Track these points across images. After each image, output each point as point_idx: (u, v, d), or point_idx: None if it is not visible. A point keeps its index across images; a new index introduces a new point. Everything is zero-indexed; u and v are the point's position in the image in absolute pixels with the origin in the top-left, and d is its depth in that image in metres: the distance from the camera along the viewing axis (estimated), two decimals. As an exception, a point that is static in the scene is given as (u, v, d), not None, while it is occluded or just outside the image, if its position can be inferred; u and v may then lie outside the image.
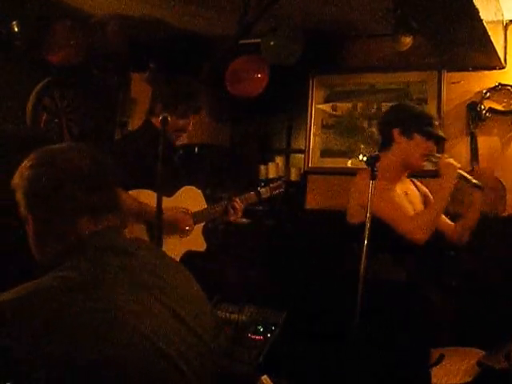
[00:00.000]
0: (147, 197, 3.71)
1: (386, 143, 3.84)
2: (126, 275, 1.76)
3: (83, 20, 5.48)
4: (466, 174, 3.71)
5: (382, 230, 3.50)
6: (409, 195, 3.85)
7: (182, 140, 4.46)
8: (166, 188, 3.90)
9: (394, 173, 3.78)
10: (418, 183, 4.08)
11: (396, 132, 3.76)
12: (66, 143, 1.99)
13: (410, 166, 3.80)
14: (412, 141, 3.73)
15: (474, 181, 3.71)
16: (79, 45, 5.44)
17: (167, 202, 3.88)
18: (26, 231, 1.93)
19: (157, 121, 3.95)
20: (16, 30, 5.11)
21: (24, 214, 1.89)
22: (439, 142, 3.90)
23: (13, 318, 1.56)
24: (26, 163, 1.89)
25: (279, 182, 4.67)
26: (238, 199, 4.22)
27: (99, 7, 5.37)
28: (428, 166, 3.96)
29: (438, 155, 3.79)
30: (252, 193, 4.42)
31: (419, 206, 3.89)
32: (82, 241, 1.81)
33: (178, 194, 4.04)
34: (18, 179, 1.89)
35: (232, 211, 4.17)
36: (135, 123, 6.46)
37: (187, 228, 4.01)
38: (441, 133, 3.83)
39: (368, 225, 3.23)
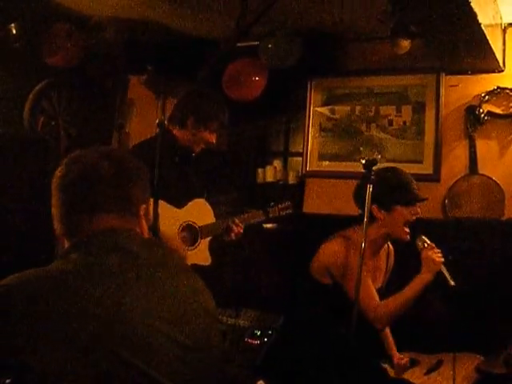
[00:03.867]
0: (160, 207, 3.67)
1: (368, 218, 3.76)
2: (120, 274, 1.77)
3: (81, 22, 5.48)
4: (446, 273, 3.53)
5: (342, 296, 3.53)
6: (376, 270, 3.84)
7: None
8: (178, 199, 3.89)
9: (380, 243, 3.79)
10: (391, 248, 4.05)
11: (375, 209, 3.65)
12: (94, 148, 2.03)
13: (395, 236, 3.75)
14: (393, 213, 3.67)
15: (452, 282, 3.51)
16: (77, 47, 5.45)
17: (176, 213, 3.87)
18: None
19: (180, 133, 3.98)
20: (14, 32, 5.12)
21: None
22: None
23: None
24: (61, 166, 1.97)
25: (288, 203, 4.62)
26: (237, 219, 4.18)
27: (97, 10, 5.37)
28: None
29: (424, 238, 3.64)
30: (260, 211, 4.38)
31: (380, 281, 3.89)
32: (91, 236, 1.86)
33: (187, 206, 4.02)
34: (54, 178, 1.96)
35: (229, 233, 4.14)
36: (132, 126, 6.46)
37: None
38: (420, 196, 3.74)
39: (365, 227, 3.24)
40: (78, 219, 1.90)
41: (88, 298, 1.65)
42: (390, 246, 4.03)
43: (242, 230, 4.16)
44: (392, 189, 3.67)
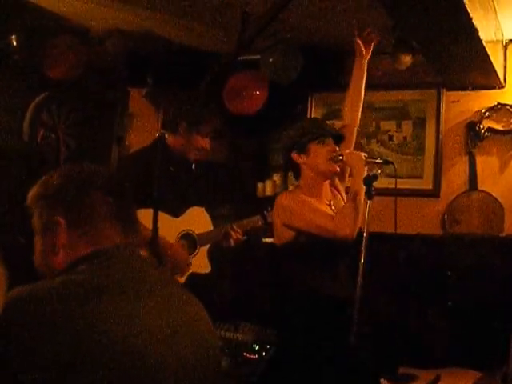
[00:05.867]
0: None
1: (295, 171, 3.77)
2: (128, 288, 1.75)
3: (82, 35, 5.48)
4: (372, 159, 3.58)
5: (312, 240, 3.53)
6: (334, 203, 3.80)
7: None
8: (174, 207, 3.88)
9: (317, 186, 3.72)
10: (340, 187, 3.98)
11: (295, 155, 3.68)
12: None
13: (324, 174, 3.69)
14: (310, 153, 3.65)
15: (380, 160, 3.60)
16: (78, 60, 5.44)
17: (174, 222, 3.86)
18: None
19: (173, 140, 3.96)
20: (15, 44, 5.12)
21: (48, 221, 1.87)
22: (339, 140, 3.80)
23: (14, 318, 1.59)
24: (48, 176, 1.90)
25: None
26: (236, 226, 4.16)
27: (98, 22, 5.38)
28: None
29: (340, 152, 3.63)
30: (257, 217, 4.36)
31: None
32: (99, 251, 1.83)
33: (185, 214, 4.00)
34: (40, 189, 1.89)
35: (228, 239, 4.12)
36: (132, 138, 6.46)
37: (187, 265, 3.96)
38: (333, 130, 3.76)
39: (364, 242, 3.23)
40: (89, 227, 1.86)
41: (96, 312, 1.62)
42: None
43: (241, 237, 4.15)
44: (303, 129, 3.69)
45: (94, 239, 1.84)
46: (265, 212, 4.39)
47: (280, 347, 3.71)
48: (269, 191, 6.00)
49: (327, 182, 3.76)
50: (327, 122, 4.21)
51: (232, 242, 4.10)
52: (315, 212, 3.55)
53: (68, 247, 1.85)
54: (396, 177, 3.56)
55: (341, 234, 3.42)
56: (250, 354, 3.76)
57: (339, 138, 3.71)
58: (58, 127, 5.93)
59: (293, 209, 3.57)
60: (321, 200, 3.69)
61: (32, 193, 1.91)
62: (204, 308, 1.99)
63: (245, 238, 4.27)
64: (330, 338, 3.43)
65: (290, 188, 3.93)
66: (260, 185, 6.07)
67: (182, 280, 3.84)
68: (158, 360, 1.68)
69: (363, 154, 3.56)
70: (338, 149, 3.65)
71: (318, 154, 3.62)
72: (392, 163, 3.65)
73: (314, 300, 3.55)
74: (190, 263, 3.95)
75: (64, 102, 6.00)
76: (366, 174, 3.42)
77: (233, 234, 4.09)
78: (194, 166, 4.14)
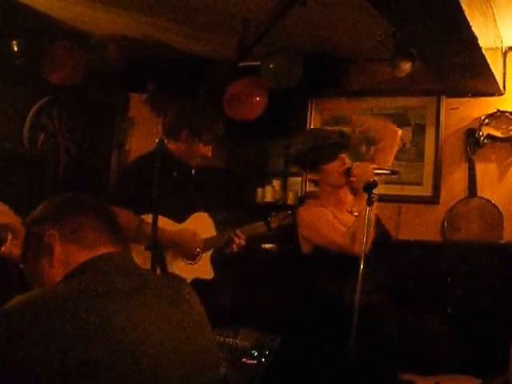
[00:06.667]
0: (161, 222, 3.65)
1: (313, 182, 3.91)
2: (128, 293, 1.77)
3: (83, 40, 5.49)
4: (380, 170, 3.58)
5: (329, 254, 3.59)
6: (357, 209, 3.79)
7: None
8: (178, 213, 3.88)
9: (336, 196, 3.78)
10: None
11: (309, 176, 3.83)
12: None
13: (339, 187, 3.75)
14: (324, 172, 3.73)
15: (387, 171, 3.62)
16: (78, 65, 5.45)
17: (177, 227, 3.85)
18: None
19: (175, 146, 3.97)
20: (16, 49, 5.12)
21: (42, 236, 1.92)
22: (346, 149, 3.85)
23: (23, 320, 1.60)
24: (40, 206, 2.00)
25: (289, 212, 4.60)
26: (239, 231, 4.17)
27: (99, 28, 5.39)
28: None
29: (350, 165, 3.68)
30: (261, 223, 4.36)
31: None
32: (95, 259, 1.87)
33: (188, 220, 4.00)
34: (33, 215, 1.99)
35: (231, 245, 4.12)
36: (133, 143, 6.47)
37: (197, 250, 3.95)
38: (338, 141, 3.78)
39: (364, 248, 3.25)
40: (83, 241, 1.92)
41: (94, 321, 1.62)
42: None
43: (244, 243, 4.15)
44: (310, 152, 3.74)
45: (85, 249, 1.88)
46: (269, 218, 4.39)
47: (282, 351, 3.73)
48: (268, 197, 6.01)
49: (346, 189, 3.80)
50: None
51: (235, 248, 4.10)
52: (330, 227, 3.63)
53: (63, 259, 1.89)
54: (400, 183, 3.58)
55: (350, 250, 3.46)
56: (248, 359, 3.76)
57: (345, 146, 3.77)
58: (59, 132, 5.93)
59: (310, 223, 3.71)
60: (341, 208, 3.77)
61: (26, 220, 2.02)
62: (205, 313, 2.00)
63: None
64: (332, 340, 3.46)
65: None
66: (260, 190, 6.07)
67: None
68: (159, 365, 1.68)
69: (372, 166, 3.58)
70: (347, 160, 3.70)
71: (330, 171, 3.71)
72: (398, 173, 3.70)
73: (321, 305, 3.58)
74: (200, 251, 3.95)
75: (64, 106, 6.00)
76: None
77: (236, 239, 4.10)
78: (193, 171, 4.14)
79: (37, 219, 1.97)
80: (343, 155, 3.71)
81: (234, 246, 4.08)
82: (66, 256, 1.88)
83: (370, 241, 3.45)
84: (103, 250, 1.89)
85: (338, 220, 3.69)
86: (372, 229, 3.39)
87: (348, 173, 3.64)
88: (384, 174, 3.62)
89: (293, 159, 4.04)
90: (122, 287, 1.76)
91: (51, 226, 1.91)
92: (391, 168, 3.74)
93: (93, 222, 1.93)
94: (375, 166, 3.61)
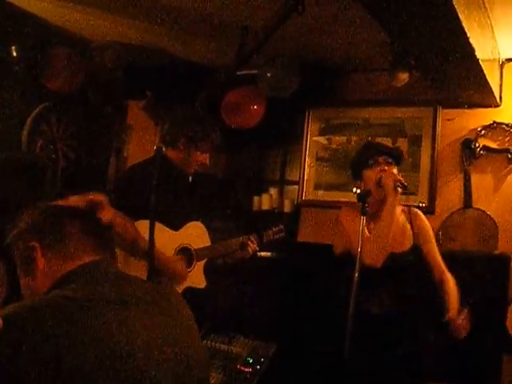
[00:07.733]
0: (157, 229, 3.64)
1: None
2: (117, 300, 1.79)
3: (81, 46, 5.51)
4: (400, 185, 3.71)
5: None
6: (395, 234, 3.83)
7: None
8: (174, 221, 3.88)
9: (374, 207, 3.78)
10: (421, 217, 4.10)
11: (356, 184, 3.88)
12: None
13: (376, 195, 3.77)
14: (364, 178, 3.84)
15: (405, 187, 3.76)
16: (77, 71, 5.46)
17: (172, 235, 3.85)
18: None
19: (173, 153, 3.98)
20: (15, 54, 5.13)
21: (25, 248, 1.94)
22: (398, 161, 3.94)
23: (17, 328, 1.61)
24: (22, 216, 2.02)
25: (280, 227, 4.66)
26: (252, 237, 4.24)
27: (98, 34, 5.41)
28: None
29: (383, 175, 3.78)
30: (254, 235, 4.40)
31: (405, 244, 3.93)
32: (81, 268, 1.90)
33: (183, 228, 4.01)
34: (16, 227, 2.01)
35: (246, 248, 4.20)
36: (131, 150, 6.48)
37: (184, 278, 3.98)
38: (384, 148, 3.95)
39: (358, 256, 3.27)
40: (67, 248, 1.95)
41: (87, 328, 1.64)
42: (413, 210, 4.11)
43: (257, 248, 4.28)
44: (360, 157, 3.92)
45: (69, 259, 1.91)
46: (262, 232, 4.45)
47: (279, 358, 3.76)
48: (265, 205, 6.02)
49: (388, 203, 3.76)
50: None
51: (250, 252, 4.22)
52: (354, 236, 3.62)
53: (46, 270, 1.92)
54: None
55: (366, 262, 3.49)
56: (244, 366, 3.76)
57: (396, 157, 3.91)
58: (57, 138, 5.94)
59: (341, 226, 3.84)
60: (378, 221, 3.74)
61: (10, 233, 2.03)
62: (193, 319, 2.01)
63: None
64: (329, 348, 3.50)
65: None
66: (256, 198, 6.09)
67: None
68: (149, 370, 1.71)
69: (396, 180, 3.66)
70: (387, 168, 3.79)
71: (368, 179, 3.80)
72: (407, 187, 3.78)
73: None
74: (187, 276, 3.96)
75: (63, 113, 6.01)
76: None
77: (250, 244, 4.19)
78: (190, 179, 4.16)
79: (18, 232, 1.99)
80: (385, 162, 3.82)
81: (249, 249, 4.21)
82: (49, 268, 1.91)
83: (384, 253, 3.53)
84: (87, 259, 1.91)
85: (368, 230, 3.73)
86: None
87: (380, 182, 3.71)
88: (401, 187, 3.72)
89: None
90: (110, 295, 1.78)
91: (32, 238, 1.93)
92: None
93: (75, 231, 1.95)
94: (401, 179, 3.71)
